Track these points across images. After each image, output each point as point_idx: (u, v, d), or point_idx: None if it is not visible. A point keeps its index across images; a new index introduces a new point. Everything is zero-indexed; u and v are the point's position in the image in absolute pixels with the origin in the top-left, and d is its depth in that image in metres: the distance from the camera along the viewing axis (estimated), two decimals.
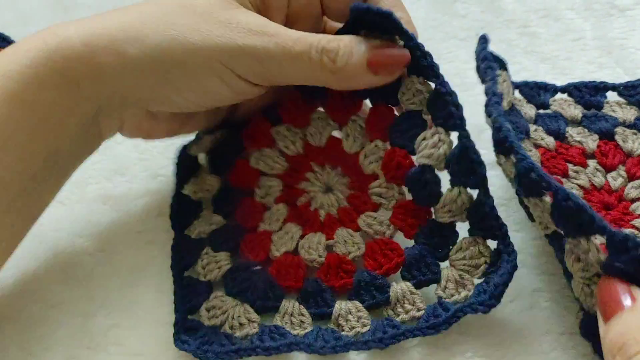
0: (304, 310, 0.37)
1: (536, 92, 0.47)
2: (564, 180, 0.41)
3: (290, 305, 0.37)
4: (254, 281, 0.38)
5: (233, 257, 0.40)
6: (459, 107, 0.36)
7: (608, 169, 0.42)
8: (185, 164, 0.44)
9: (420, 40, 0.37)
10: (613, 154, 0.43)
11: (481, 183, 0.36)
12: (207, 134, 0.43)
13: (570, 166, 0.42)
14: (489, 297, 0.34)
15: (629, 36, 0.52)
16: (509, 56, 0.51)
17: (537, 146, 0.42)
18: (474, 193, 0.37)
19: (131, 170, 0.46)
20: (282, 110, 0.42)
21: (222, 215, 0.42)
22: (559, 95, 0.47)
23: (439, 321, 0.35)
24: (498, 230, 0.36)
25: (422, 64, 0.37)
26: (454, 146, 0.37)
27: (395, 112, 0.40)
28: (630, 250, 0.29)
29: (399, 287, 0.37)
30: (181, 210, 0.43)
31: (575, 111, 0.46)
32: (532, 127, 0.43)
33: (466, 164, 0.36)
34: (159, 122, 0.40)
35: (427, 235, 0.38)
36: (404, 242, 0.39)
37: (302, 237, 0.40)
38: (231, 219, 0.42)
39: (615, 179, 0.42)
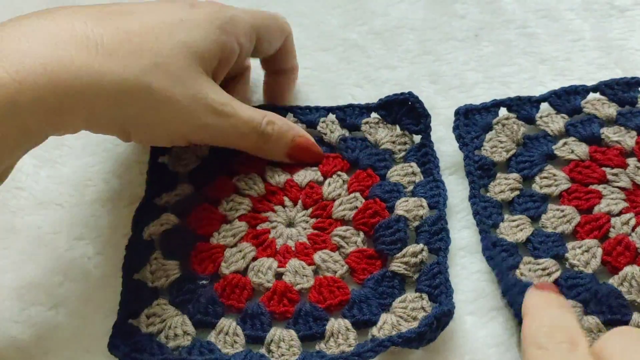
0: (239, 331, 0.37)
1: (565, 99, 0.46)
2: (602, 187, 0.41)
3: (227, 324, 0.38)
4: (198, 295, 0.39)
5: (182, 264, 0.40)
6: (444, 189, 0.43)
7: None
8: (158, 174, 0.45)
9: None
10: None
11: (444, 252, 0.39)
12: (189, 151, 0.45)
13: (607, 170, 0.42)
14: (418, 334, 0.35)
15: (628, 37, 0.52)
16: (507, 57, 0.52)
17: (567, 162, 0.43)
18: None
19: (130, 173, 0.46)
20: None
21: (176, 214, 0.42)
22: (591, 96, 0.47)
23: (364, 349, 0.35)
24: (446, 295, 0.37)
25: (429, 153, 0.44)
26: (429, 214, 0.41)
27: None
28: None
29: (336, 322, 0.37)
30: (143, 212, 0.43)
31: (609, 110, 0.45)
32: (561, 142, 0.44)
33: (438, 231, 0.40)
34: None
35: (377, 282, 0.39)
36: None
37: (254, 259, 0.40)
38: (183, 221, 0.42)
39: None
